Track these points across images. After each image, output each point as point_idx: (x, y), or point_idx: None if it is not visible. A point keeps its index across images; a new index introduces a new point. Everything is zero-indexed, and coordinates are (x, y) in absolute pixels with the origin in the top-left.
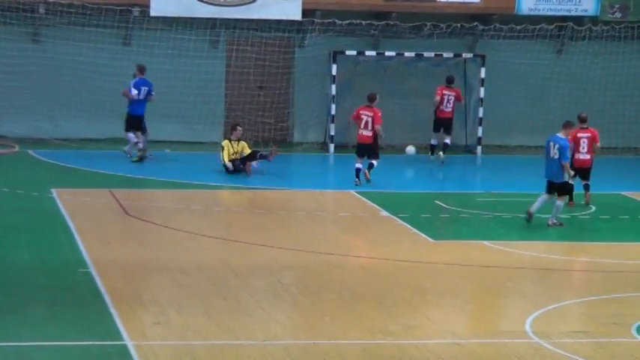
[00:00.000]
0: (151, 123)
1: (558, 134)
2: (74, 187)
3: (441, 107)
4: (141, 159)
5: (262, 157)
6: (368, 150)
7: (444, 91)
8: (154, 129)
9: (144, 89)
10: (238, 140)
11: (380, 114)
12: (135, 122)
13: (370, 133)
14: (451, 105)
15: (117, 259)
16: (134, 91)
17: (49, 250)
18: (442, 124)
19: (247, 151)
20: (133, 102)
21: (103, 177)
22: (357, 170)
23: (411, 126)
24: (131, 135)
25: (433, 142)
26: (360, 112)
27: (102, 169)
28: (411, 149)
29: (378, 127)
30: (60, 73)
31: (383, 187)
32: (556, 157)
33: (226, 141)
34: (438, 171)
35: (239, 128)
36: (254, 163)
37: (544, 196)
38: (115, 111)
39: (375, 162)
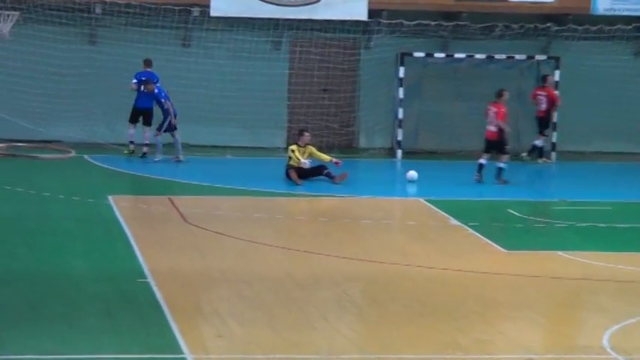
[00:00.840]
0: (210, 127)
1: None
2: (132, 194)
3: (537, 108)
4: (131, 153)
5: (328, 176)
6: (493, 145)
7: (537, 92)
8: (213, 133)
9: (145, 79)
10: (306, 145)
11: (504, 110)
12: (136, 114)
13: (495, 129)
14: (544, 105)
15: (176, 269)
16: (133, 81)
17: (106, 259)
18: (538, 124)
19: (316, 154)
20: (136, 94)
21: (162, 183)
22: (480, 165)
23: (482, 130)
24: (132, 132)
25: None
26: (488, 108)
27: (160, 175)
28: (412, 175)
29: (498, 122)
30: (117, 75)
31: (453, 194)
32: None
33: (295, 146)
34: (510, 178)
35: (306, 134)
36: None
37: None
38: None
39: (502, 164)
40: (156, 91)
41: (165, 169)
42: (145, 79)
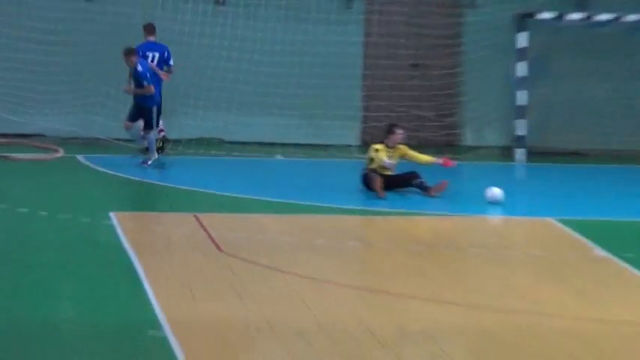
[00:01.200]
0: (253, 116)
1: None
2: (143, 210)
3: None
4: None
5: (420, 187)
6: None
7: None
8: (258, 125)
9: (151, 55)
10: (395, 146)
11: None
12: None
13: None
14: None
15: (204, 318)
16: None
17: (106, 304)
18: None
19: (411, 155)
20: None
21: (185, 195)
22: None
23: (635, 120)
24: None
25: None
26: None
27: (182, 184)
28: (494, 194)
29: None
30: (123, 42)
31: (598, 213)
32: None
33: (381, 145)
34: None
35: (399, 131)
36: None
37: None
38: (200, 99)
39: None
40: (139, 68)
41: (190, 175)
42: (143, 52)
